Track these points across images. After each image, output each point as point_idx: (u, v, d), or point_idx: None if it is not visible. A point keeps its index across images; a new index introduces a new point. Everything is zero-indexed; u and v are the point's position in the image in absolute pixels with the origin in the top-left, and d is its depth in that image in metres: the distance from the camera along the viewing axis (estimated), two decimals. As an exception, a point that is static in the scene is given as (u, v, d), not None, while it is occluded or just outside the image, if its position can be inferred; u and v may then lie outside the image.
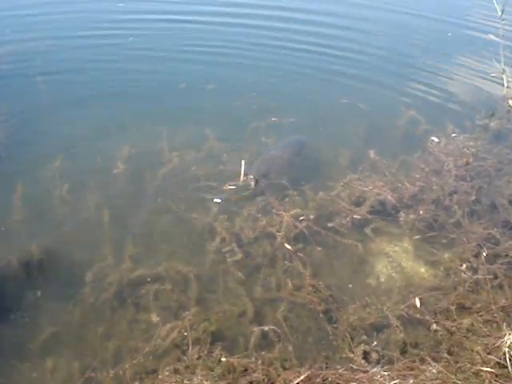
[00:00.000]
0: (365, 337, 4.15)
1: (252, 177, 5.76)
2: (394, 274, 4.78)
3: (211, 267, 4.76)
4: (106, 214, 5.23)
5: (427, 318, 4.30)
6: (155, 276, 4.63)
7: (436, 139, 6.53)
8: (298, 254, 4.86)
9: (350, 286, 4.65)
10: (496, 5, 7.62)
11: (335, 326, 4.25)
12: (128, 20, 9.93)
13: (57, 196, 5.44)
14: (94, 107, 7.03)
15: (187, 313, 4.27)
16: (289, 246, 4.90)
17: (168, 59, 8.54)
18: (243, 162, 5.77)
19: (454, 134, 6.67)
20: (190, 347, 3.93)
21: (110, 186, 5.65)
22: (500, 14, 7.55)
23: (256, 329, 4.17)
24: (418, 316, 4.32)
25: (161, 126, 6.52)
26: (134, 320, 4.27)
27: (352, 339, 4.11)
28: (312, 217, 5.24)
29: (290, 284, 4.57)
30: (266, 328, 4.17)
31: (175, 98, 7.43)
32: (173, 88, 7.66)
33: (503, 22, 7.59)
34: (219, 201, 5.43)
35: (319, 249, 4.96)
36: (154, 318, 4.26)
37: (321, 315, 4.32)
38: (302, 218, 5.21)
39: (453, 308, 4.36)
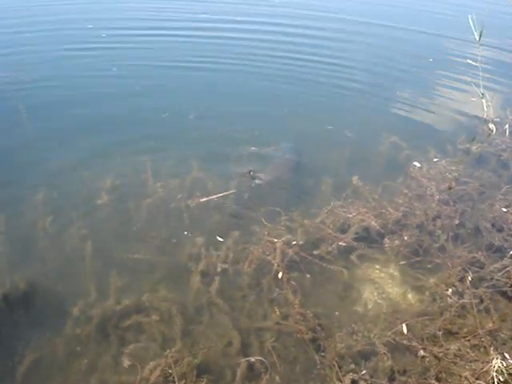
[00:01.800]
0: (353, 365, 4.13)
1: (251, 172, 6.18)
2: (380, 301, 4.77)
3: (196, 297, 4.72)
4: (90, 245, 5.18)
5: (414, 344, 4.28)
6: (140, 308, 4.58)
7: (418, 164, 6.59)
8: (288, 281, 4.83)
9: (337, 313, 4.62)
10: (474, 31, 7.77)
11: (323, 354, 4.22)
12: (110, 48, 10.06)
13: (40, 228, 5.39)
14: (76, 138, 6.99)
15: (172, 346, 4.21)
16: (280, 274, 4.88)
17: (150, 87, 8.61)
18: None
19: (435, 159, 6.74)
20: (176, 382, 3.88)
21: (94, 217, 5.61)
22: (477, 39, 7.69)
23: (243, 360, 4.13)
24: (405, 342, 4.31)
25: (144, 156, 6.52)
26: (119, 353, 4.20)
27: (340, 368, 4.08)
28: (299, 244, 5.24)
29: (277, 312, 4.54)
30: (252, 359, 4.14)
31: (158, 127, 7.43)
32: (156, 117, 7.67)
33: (481, 47, 7.73)
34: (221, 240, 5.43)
35: (307, 276, 4.94)
36: (139, 352, 4.19)
37: (308, 344, 4.28)
38: (294, 243, 5.24)
39: (440, 333, 4.36)
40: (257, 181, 6.22)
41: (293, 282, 4.84)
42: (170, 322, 4.47)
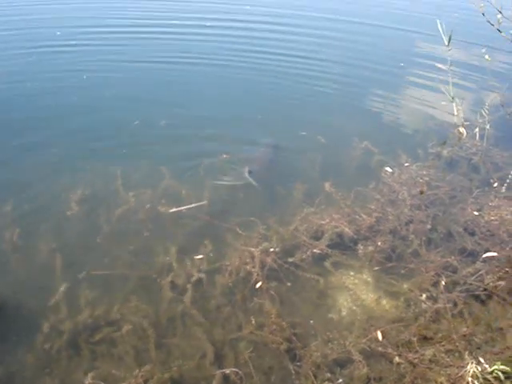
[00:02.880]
0: (329, 374, 4.10)
1: (247, 169, 6.34)
2: (354, 308, 4.75)
3: (169, 309, 4.65)
4: (60, 258, 5.08)
5: (390, 350, 4.27)
6: (111, 321, 4.51)
7: (390, 169, 6.61)
8: (263, 290, 4.80)
9: (312, 321, 4.59)
10: (443, 35, 7.83)
11: (298, 364, 4.18)
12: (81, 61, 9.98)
13: (8, 241, 5.28)
14: (45, 148, 6.87)
15: (146, 359, 4.15)
16: (259, 284, 4.84)
17: (121, 95, 8.53)
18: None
19: (406, 164, 6.77)
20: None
21: (64, 228, 5.51)
22: (446, 43, 7.76)
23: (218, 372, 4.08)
24: (380, 349, 4.29)
25: (115, 165, 6.43)
26: (90, 368, 4.11)
27: (316, 377, 4.06)
28: (274, 252, 5.21)
29: (253, 322, 4.50)
30: (227, 371, 4.08)
31: (129, 136, 7.34)
32: (127, 125, 7.58)
33: (450, 51, 7.80)
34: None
35: (282, 284, 4.91)
36: (110, 366, 4.11)
37: (283, 353, 4.25)
38: (271, 250, 5.22)
39: (414, 339, 4.35)
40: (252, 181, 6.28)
41: (271, 292, 4.80)
42: (142, 335, 4.39)
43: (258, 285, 4.85)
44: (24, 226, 5.47)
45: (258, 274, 4.93)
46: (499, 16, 6.06)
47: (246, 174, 6.27)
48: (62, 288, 4.77)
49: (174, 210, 5.73)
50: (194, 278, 4.91)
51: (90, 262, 5.09)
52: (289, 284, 4.93)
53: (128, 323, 4.48)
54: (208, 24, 12.50)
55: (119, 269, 5.03)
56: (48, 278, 4.92)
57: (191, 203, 5.86)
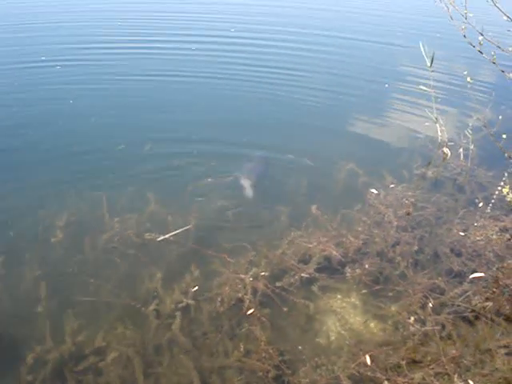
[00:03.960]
0: (318, 400, 4.06)
1: (249, 182, 6.68)
2: (343, 332, 4.71)
3: (156, 336, 4.59)
4: (44, 286, 5.02)
5: (378, 375, 4.23)
6: (97, 349, 4.44)
7: (375, 191, 6.63)
8: (251, 316, 4.76)
9: (300, 347, 4.54)
10: (425, 57, 7.93)
11: (287, 391, 4.15)
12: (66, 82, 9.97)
13: (-8, 269, 5.21)
14: (30, 173, 6.84)
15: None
16: (250, 310, 4.80)
17: (104, 120, 8.53)
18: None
19: (392, 185, 6.80)
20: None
21: (49, 256, 5.45)
22: (429, 65, 7.85)
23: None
24: (369, 374, 4.26)
25: (101, 190, 6.40)
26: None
27: (305, 404, 4.01)
28: (262, 277, 5.19)
29: (241, 348, 4.45)
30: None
31: (114, 160, 7.31)
32: (111, 149, 7.56)
33: (432, 72, 7.89)
34: None
35: (268, 310, 4.86)
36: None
37: (271, 382, 4.20)
38: (260, 275, 5.20)
39: (403, 363, 4.33)
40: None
41: (260, 318, 4.75)
42: (128, 364, 4.33)
43: (250, 311, 4.80)
44: (8, 254, 5.42)
45: (248, 300, 4.89)
46: (480, 38, 6.13)
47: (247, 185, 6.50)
48: (47, 316, 4.71)
49: (161, 238, 5.67)
50: (181, 305, 4.86)
51: (75, 289, 5.03)
52: (277, 309, 4.89)
53: (114, 351, 4.42)
54: (194, 48, 12.62)
55: (105, 295, 4.97)
56: (32, 306, 4.84)
57: (177, 229, 5.82)
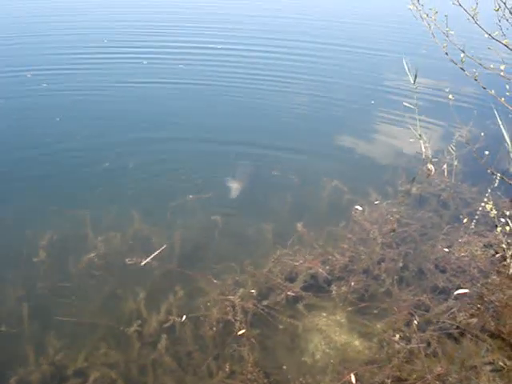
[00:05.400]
0: (302, 422, 4.03)
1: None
2: (328, 350, 4.68)
3: (140, 357, 4.54)
4: (26, 306, 4.95)
5: (364, 394, 4.22)
6: (80, 371, 4.37)
7: (360, 208, 6.65)
8: (238, 336, 4.73)
9: (285, 367, 4.51)
10: (409, 73, 8.02)
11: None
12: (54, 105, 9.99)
13: (-28, 290, 5.14)
14: (12, 192, 6.80)
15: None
16: (241, 331, 4.77)
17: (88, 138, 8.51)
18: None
19: (376, 202, 6.82)
20: None
21: (31, 276, 5.38)
22: (412, 82, 7.93)
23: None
24: (354, 393, 4.24)
25: (84, 209, 6.36)
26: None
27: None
28: (248, 296, 5.17)
29: (227, 369, 4.41)
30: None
31: (98, 179, 7.28)
32: (96, 168, 7.53)
33: (416, 89, 7.97)
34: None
35: (253, 329, 4.83)
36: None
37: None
38: (243, 295, 5.17)
39: (389, 381, 4.31)
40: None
41: (250, 338, 4.71)
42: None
43: (241, 332, 4.77)
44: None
45: (237, 321, 4.86)
46: (462, 55, 6.21)
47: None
48: (30, 337, 4.66)
49: (144, 262, 5.62)
50: (165, 325, 4.83)
51: (58, 309, 4.96)
52: (263, 329, 4.85)
53: (97, 373, 4.36)
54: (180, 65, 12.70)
55: (88, 316, 4.92)
56: (15, 326, 4.78)
57: (159, 248, 5.79)
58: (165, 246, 5.82)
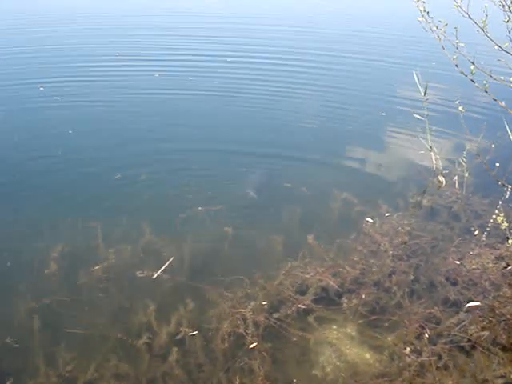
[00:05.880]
0: None
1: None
2: (338, 363, 4.66)
3: (150, 369, 4.55)
4: (37, 318, 4.99)
5: (375, 408, 4.20)
6: (90, 383, 4.40)
7: (371, 220, 6.64)
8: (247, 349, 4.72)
9: (295, 380, 4.49)
10: (419, 86, 8.03)
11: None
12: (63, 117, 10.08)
13: (-15, 302, 5.18)
14: (24, 204, 6.87)
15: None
16: (253, 345, 4.76)
17: (100, 150, 8.59)
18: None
19: (387, 214, 6.81)
20: None
21: (42, 288, 5.42)
22: (423, 94, 7.94)
23: None
24: (365, 407, 4.22)
25: (95, 221, 6.39)
26: None
27: None
28: (258, 308, 5.16)
29: (237, 382, 4.39)
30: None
31: (109, 190, 7.34)
32: (108, 179, 7.59)
33: (427, 101, 7.96)
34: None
35: (264, 342, 4.82)
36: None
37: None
38: (253, 307, 5.16)
39: (400, 395, 4.29)
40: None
41: (264, 352, 4.70)
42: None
43: (253, 345, 4.76)
44: (1, 285, 5.41)
45: (249, 334, 4.86)
46: (472, 67, 6.20)
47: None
48: (41, 349, 4.68)
49: (155, 275, 5.64)
50: (176, 338, 4.83)
51: (68, 321, 4.99)
52: (274, 342, 4.84)
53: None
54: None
55: (98, 328, 4.94)
56: (26, 338, 4.82)
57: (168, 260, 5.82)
58: (173, 258, 5.83)
